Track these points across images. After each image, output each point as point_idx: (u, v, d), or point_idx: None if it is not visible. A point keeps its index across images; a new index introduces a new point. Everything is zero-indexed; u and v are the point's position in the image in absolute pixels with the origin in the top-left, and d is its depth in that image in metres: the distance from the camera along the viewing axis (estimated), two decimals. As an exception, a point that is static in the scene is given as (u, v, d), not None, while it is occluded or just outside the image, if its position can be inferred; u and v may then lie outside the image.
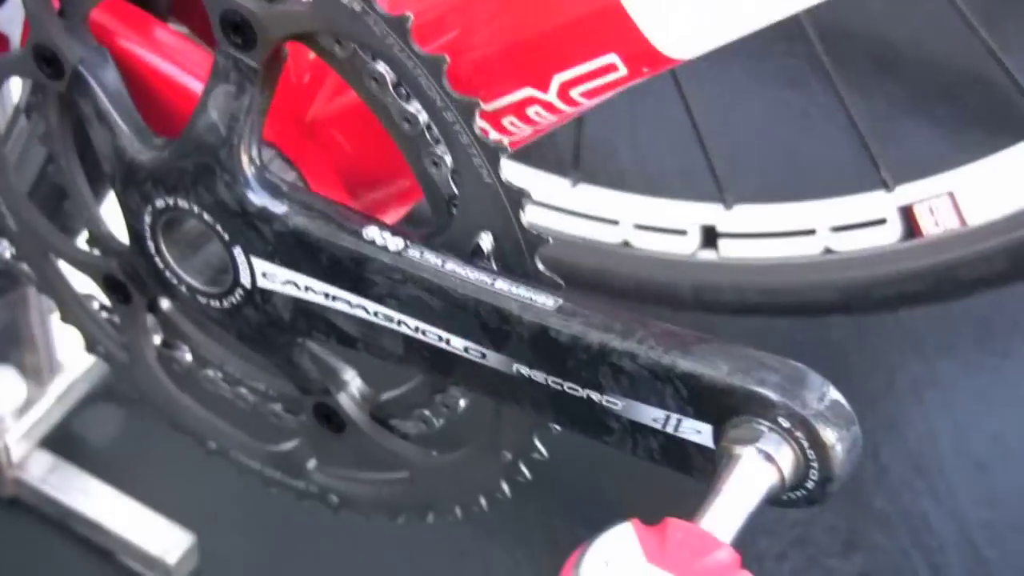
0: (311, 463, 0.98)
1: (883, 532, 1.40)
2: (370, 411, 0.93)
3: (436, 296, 0.80)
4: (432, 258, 0.80)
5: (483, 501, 0.93)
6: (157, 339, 1.00)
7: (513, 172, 1.32)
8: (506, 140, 0.79)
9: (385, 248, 0.81)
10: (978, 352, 1.53)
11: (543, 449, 0.88)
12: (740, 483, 0.72)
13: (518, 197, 0.78)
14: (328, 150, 0.88)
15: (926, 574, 1.37)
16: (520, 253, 0.80)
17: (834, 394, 0.74)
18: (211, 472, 1.40)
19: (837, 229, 1.29)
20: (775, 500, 0.75)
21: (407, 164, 0.81)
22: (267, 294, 0.86)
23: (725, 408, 0.74)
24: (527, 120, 0.82)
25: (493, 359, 0.80)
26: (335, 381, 0.92)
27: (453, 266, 0.80)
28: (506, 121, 0.83)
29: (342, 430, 0.93)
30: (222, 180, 0.83)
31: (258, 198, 0.83)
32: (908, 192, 1.26)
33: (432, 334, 0.81)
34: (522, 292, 0.78)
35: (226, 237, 0.85)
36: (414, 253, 0.81)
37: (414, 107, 0.78)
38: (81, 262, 0.97)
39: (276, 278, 0.85)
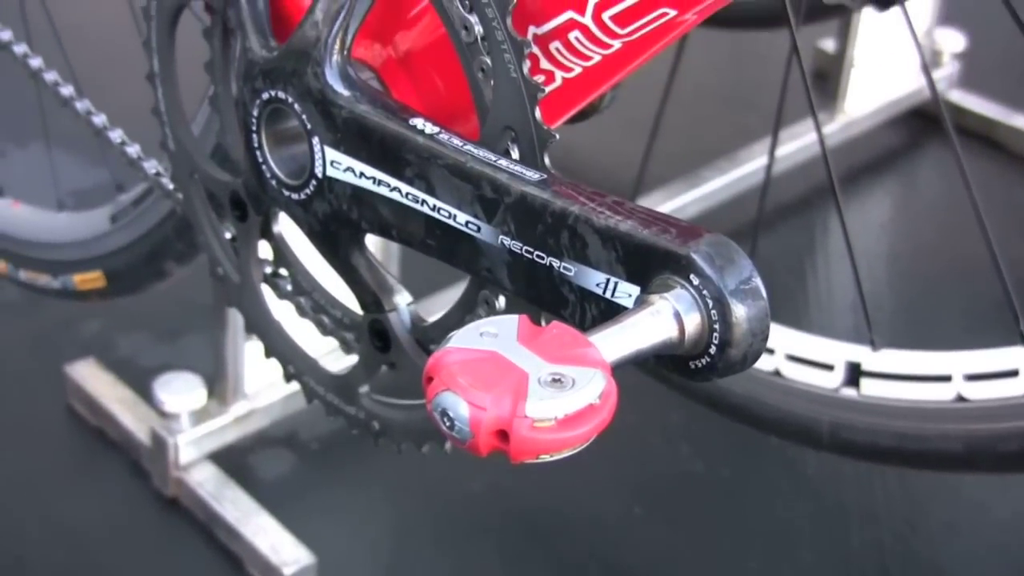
0: (363, 388, 1.07)
1: None
2: (416, 336, 1.02)
3: (452, 172, 0.89)
4: (457, 141, 0.90)
5: None
6: (268, 268, 1.11)
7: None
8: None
9: (423, 131, 0.92)
10: None
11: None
12: (640, 321, 0.78)
13: (535, 91, 0.87)
14: (417, 81, 1.00)
15: None
16: (534, 150, 0.89)
17: (756, 280, 0.79)
18: (351, 519, 1.49)
19: (971, 378, 1.31)
20: (675, 360, 0.80)
21: (472, 104, 0.92)
22: (332, 182, 0.97)
23: (652, 269, 0.80)
24: (571, 48, 0.92)
25: (486, 232, 0.88)
26: (389, 299, 1.01)
27: (471, 147, 0.90)
28: (553, 48, 0.93)
29: (388, 350, 1.02)
30: (312, 70, 0.96)
31: (336, 85, 0.96)
32: (1043, 347, 1.27)
33: (444, 211, 0.90)
34: (517, 168, 0.87)
35: (308, 126, 0.97)
36: (444, 137, 0.91)
37: (473, 18, 0.90)
38: (215, 180, 1.10)
39: (340, 165, 0.97)
